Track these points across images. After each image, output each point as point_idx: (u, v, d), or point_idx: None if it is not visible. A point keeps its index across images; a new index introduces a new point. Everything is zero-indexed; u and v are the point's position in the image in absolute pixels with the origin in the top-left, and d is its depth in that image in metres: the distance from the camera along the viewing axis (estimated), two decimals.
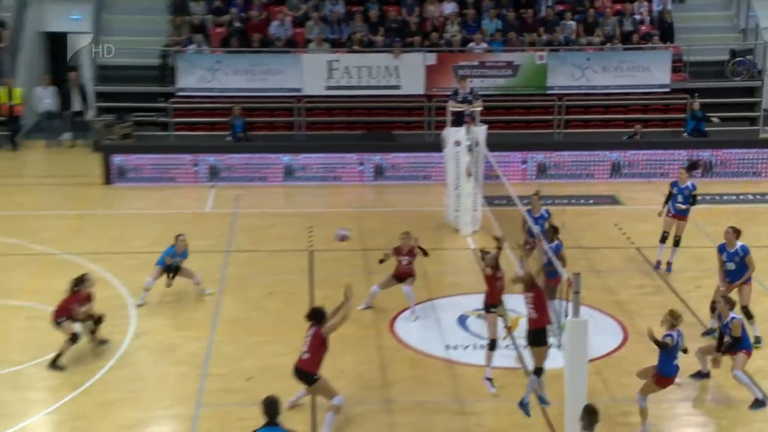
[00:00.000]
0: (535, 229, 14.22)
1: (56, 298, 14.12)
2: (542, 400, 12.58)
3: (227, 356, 13.97)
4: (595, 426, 9.47)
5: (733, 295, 13.86)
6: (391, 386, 13.14)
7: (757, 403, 12.59)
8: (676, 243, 16.90)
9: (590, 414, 9.54)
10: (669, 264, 16.97)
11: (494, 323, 13.32)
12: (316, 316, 12.00)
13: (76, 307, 13.71)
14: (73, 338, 13.62)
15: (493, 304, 13.40)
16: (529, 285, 12.31)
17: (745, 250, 14.31)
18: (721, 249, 14.52)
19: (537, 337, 12.27)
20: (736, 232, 14.40)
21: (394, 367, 13.77)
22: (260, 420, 10.05)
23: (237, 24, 26.01)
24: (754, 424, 12.27)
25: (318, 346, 11.83)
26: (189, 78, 24.81)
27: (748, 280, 14.31)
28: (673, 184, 17.04)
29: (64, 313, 13.70)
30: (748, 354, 12.72)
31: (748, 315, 14.15)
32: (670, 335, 11.78)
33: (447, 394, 13.06)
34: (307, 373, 11.81)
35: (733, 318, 12.71)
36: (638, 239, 18.73)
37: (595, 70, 24.99)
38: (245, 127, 24.13)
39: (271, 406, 9.35)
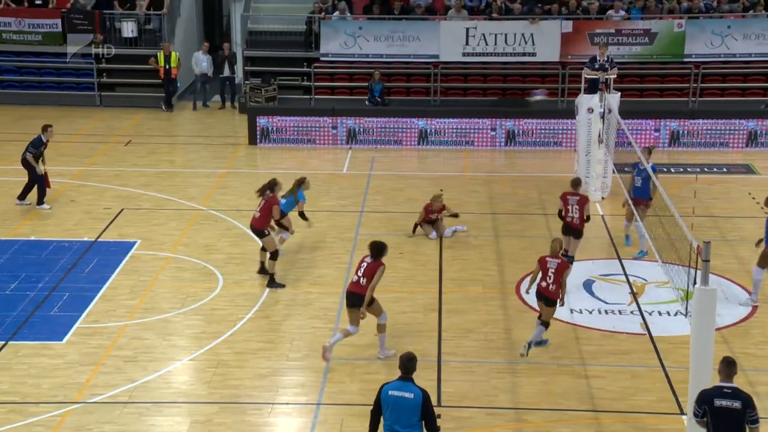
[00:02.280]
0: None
1: (202, 251, 14.42)
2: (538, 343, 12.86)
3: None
4: (734, 377, 9.19)
5: None
6: (514, 347, 12.97)
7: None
8: None
9: (729, 365, 9.27)
10: None
11: None
12: (378, 249, 12.51)
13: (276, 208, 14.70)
14: (274, 255, 14.68)
15: None
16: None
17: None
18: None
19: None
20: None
21: (518, 328, 13.60)
22: (386, 375, 10.08)
23: None
24: None
25: (371, 275, 12.40)
26: (331, 44, 24.95)
27: None
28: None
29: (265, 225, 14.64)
30: None
31: None
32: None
33: (570, 356, 12.84)
34: (361, 296, 12.38)
35: None
36: None
37: (735, 38, 23.89)
38: (383, 92, 24.12)
39: (408, 363, 9.33)
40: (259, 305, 14.29)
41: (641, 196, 15.75)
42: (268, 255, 14.83)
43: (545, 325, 12.86)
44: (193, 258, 15.91)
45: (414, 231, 16.79)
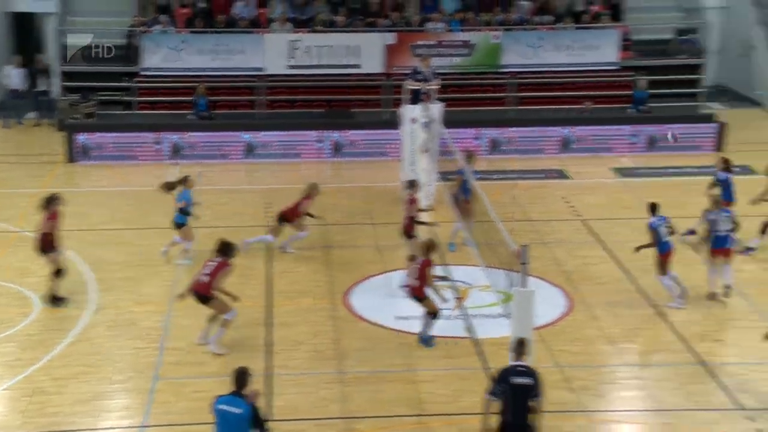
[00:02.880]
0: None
1: (16, 275, 13.83)
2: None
3: (184, 330, 13.77)
4: (525, 356, 9.83)
5: None
6: (343, 357, 13.03)
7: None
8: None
9: (521, 345, 9.92)
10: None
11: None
12: (224, 248, 12.99)
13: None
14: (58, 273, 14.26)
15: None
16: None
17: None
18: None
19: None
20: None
21: (347, 338, 13.66)
22: (215, 392, 9.95)
23: (202, 4, 25.65)
24: (686, 386, 12.27)
25: (215, 273, 12.77)
26: (154, 57, 24.41)
27: None
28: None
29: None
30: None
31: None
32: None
33: (398, 363, 12.97)
34: (202, 295, 12.74)
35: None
36: (584, 212, 18.71)
37: (547, 49, 24.85)
38: (208, 106, 23.80)
39: (239, 378, 9.33)
40: (80, 328, 13.78)
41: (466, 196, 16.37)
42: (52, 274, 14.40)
43: (431, 315, 13.11)
44: (7, 282, 15.21)
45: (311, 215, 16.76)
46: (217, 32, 24.84)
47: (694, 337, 13.44)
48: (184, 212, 16.05)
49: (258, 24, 25.46)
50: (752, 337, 13.45)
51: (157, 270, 15.80)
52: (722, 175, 17.03)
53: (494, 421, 9.73)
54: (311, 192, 16.72)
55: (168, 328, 13.81)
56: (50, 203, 14.49)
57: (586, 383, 12.39)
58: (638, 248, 14.58)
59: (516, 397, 9.57)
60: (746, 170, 20.72)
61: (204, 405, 9.32)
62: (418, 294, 13.18)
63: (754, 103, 26.51)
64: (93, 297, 14.82)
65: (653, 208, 14.51)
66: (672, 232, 14.38)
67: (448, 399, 12.04)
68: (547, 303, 14.41)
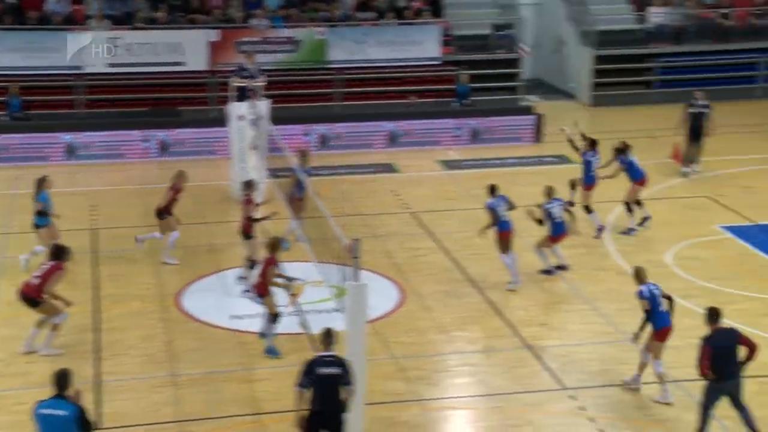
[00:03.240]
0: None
1: None
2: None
3: (5, 339, 13.19)
4: (332, 346, 10.00)
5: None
6: (176, 360, 12.80)
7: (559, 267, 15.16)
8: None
9: (328, 335, 10.09)
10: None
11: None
12: (57, 251, 12.79)
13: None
14: None
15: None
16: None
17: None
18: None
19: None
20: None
21: (179, 339, 13.42)
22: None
23: (11, 0, 24.51)
24: (512, 370, 12.71)
25: (49, 274, 12.51)
26: None
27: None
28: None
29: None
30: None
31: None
32: (641, 292, 11.84)
33: (234, 363, 12.85)
34: (30, 298, 12.46)
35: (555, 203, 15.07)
36: (413, 204, 19.05)
37: (371, 45, 25.12)
38: (22, 106, 22.77)
39: (60, 379, 9.03)
40: None
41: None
42: None
43: (271, 317, 12.95)
44: None
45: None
46: (29, 30, 23.82)
47: (521, 323, 13.93)
48: (42, 214, 15.33)
49: (74, 21, 24.55)
50: (573, 320, 14.12)
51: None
52: (588, 155, 17.63)
53: (306, 411, 9.82)
54: (177, 182, 16.25)
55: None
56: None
57: (420, 373, 12.64)
58: (481, 230, 15.00)
59: (324, 387, 9.74)
60: (563, 160, 21.65)
61: (28, 417, 8.94)
62: (260, 291, 13.06)
63: (567, 95, 27.68)
64: None
65: (492, 189, 15.02)
66: (511, 208, 14.92)
67: (283, 396, 11.97)
68: (380, 295, 14.60)
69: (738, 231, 17.24)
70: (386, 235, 17.36)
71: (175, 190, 16.13)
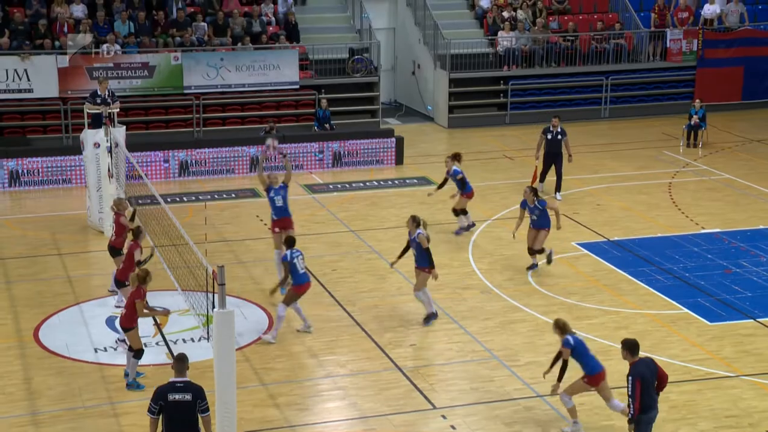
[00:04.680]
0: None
1: None
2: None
3: None
4: (187, 371, 9.94)
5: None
6: (35, 397, 12.32)
7: (430, 317, 14.56)
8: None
9: (180, 360, 9.99)
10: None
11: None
12: None
13: None
14: None
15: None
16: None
17: (542, 204, 16.44)
18: (523, 204, 16.61)
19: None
20: (533, 191, 16.48)
21: (39, 375, 12.94)
22: None
23: None
24: (384, 392, 12.82)
25: None
26: None
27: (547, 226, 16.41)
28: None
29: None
30: (429, 271, 14.41)
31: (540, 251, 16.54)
32: (567, 341, 11.48)
33: (98, 397, 12.49)
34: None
35: (419, 233, 14.37)
36: None
37: (228, 69, 24.96)
38: None
39: None
40: None
41: (283, 215, 16.03)
42: None
43: (135, 353, 12.62)
44: None
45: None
46: None
47: (390, 344, 14.04)
48: None
49: None
50: (441, 339, 14.33)
51: None
52: (456, 170, 18.40)
53: None
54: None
55: None
56: None
57: (291, 398, 12.58)
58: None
59: (174, 414, 9.60)
60: (424, 181, 22.03)
61: None
62: (124, 324, 12.70)
63: (425, 117, 28.21)
64: None
65: (290, 243, 14.35)
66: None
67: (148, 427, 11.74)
68: (249, 322, 14.49)
69: (592, 247, 17.91)
70: (252, 261, 17.22)
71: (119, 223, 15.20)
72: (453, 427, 11.90)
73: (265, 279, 16.39)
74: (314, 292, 15.81)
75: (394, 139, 23.76)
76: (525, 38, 27.86)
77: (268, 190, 16.15)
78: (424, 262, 14.46)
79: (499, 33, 27.83)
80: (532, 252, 16.58)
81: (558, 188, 20.64)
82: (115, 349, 13.83)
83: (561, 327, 11.55)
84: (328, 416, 12.36)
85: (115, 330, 14.35)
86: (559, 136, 20.60)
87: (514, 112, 27.56)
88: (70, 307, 15.16)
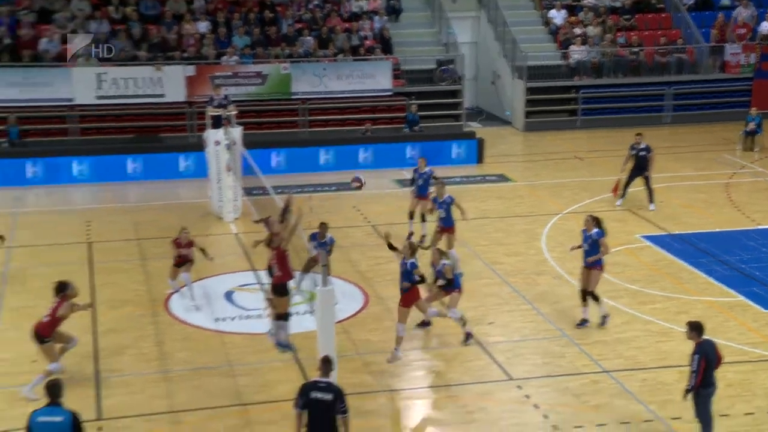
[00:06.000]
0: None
1: None
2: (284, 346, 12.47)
3: (12, 341, 12.97)
4: (332, 372, 9.48)
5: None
6: (166, 357, 12.68)
7: (468, 336, 13.23)
8: (423, 219, 17.14)
9: (326, 363, 9.51)
10: (423, 236, 17.10)
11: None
12: (61, 288, 11.81)
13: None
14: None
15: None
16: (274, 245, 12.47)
17: (600, 234, 13.52)
18: (583, 233, 13.61)
19: (280, 289, 12.34)
20: (595, 220, 13.63)
21: (169, 340, 13.31)
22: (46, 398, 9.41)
23: (7, 41, 24.20)
24: (466, 363, 12.82)
25: (55, 311, 11.64)
26: None
27: (597, 264, 13.53)
28: (415, 171, 17.23)
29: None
30: (459, 292, 13.32)
31: (595, 298, 13.66)
32: (413, 263, 12.09)
33: (218, 360, 12.77)
34: (40, 335, 11.57)
35: (444, 264, 13.20)
36: (373, 218, 19.12)
37: (330, 78, 25.20)
38: (20, 134, 22.45)
39: (53, 389, 8.74)
40: None
41: (447, 225, 15.70)
42: None
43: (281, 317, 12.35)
44: None
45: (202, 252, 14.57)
46: (24, 66, 23.53)
47: (471, 321, 14.00)
48: None
49: (64, 58, 24.28)
50: (516, 319, 14.25)
51: None
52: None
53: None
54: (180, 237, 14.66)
55: None
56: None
57: (383, 367, 12.63)
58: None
59: (315, 411, 9.17)
60: (502, 178, 21.90)
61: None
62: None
63: (503, 121, 28.01)
64: None
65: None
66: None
67: (263, 389, 11.97)
68: (347, 299, 14.64)
69: (655, 239, 17.58)
70: (351, 245, 17.38)
71: (177, 245, 14.54)
72: (527, 396, 11.84)
73: (362, 261, 16.54)
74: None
75: (475, 141, 23.65)
76: (595, 52, 27.45)
77: (434, 200, 15.88)
78: (450, 288, 13.31)
79: (571, 47, 27.49)
80: (585, 296, 13.65)
81: (651, 200, 19.42)
82: (233, 319, 14.10)
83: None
84: (416, 383, 12.43)
85: (232, 303, 14.67)
86: (644, 152, 19.32)
87: (585, 118, 27.17)
88: (195, 282, 15.49)
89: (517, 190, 18.87)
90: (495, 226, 18.64)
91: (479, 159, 23.45)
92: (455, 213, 15.85)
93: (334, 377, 9.46)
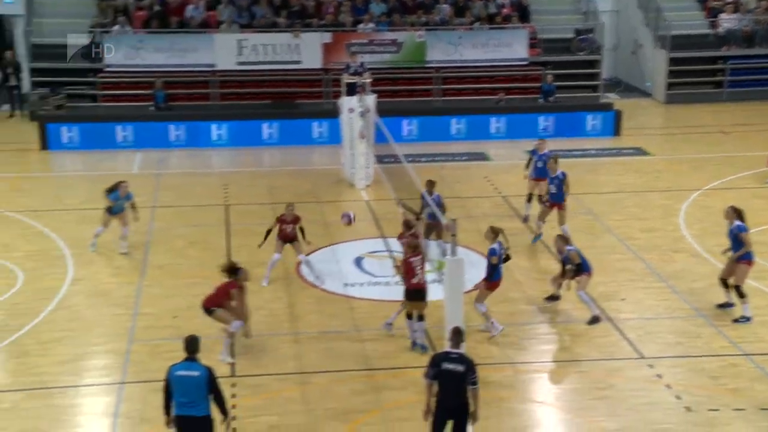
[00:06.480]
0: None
1: (1, 250, 13.48)
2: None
3: (155, 297, 13.61)
4: (462, 344, 9.42)
5: None
6: (297, 319, 13.00)
7: (594, 320, 12.85)
8: (532, 200, 16.80)
9: (457, 334, 9.45)
10: (527, 216, 16.83)
11: None
12: (232, 271, 11.83)
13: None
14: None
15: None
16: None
17: (741, 229, 12.77)
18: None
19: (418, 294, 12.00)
20: (736, 212, 12.89)
21: (300, 303, 13.63)
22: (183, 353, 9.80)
23: (156, 7, 25.16)
24: (595, 339, 12.55)
25: (223, 290, 11.77)
26: (115, 55, 23.89)
27: (743, 258, 12.77)
28: (533, 152, 16.89)
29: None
30: (589, 275, 12.91)
31: (741, 294, 12.81)
32: (493, 249, 12.15)
33: (346, 324, 12.99)
34: (205, 308, 11.79)
35: (569, 249, 12.90)
36: (503, 189, 18.92)
37: (466, 47, 24.98)
38: (166, 98, 23.40)
39: (191, 344, 9.10)
40: (60, 297, 13.54)
41: (557, 200, 15.59)
42: None
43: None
44: None
45: (265, 239, 14.33)
46: (171, 32, 24.42)
47: (601, 297, 13.71)
48: (109, 209, 15.13)
49: (208, 24, 25.09)
50: (649, 296, 13.83)
51: (129, 244, 15.50)
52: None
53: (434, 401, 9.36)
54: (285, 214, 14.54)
55: (140, 296, 13.62)
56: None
57: (510, 339, 12.55)
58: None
59: (446, 381, 9.15)
60: (640, 152, 21.21)
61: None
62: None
63: (642, 93, 27.06)
64: (70, 270, 14.52)
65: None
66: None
67: (390, 355, 12.10)
68: (475, 269, 14.56)
69: None
70: (480, 215, 17.27)
71: (281, 221, 14.44)
72: (659, 376, 11.50)
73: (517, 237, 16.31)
74: (534, 248, 15.69)
75: (612, 113, 22.97)
76: (747, 20, 26.02)
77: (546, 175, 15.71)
78: (578, 272, 12.86)
79: (721, 15, 26.15)
80: (725, 284, 12.97)
81: None
82: (362, 285, 14.24)
83: None
84: (543, 357, 12.28)
85: (361, 269, 14.86)
86: None
87: (732, 90, 25.91)
88: (325, 247, 15.79)
89: (655, 164, 18.25)
90: (631, 200, 18.10)
91: (616, 131, 22.78)
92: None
93: (463, 348, 9.44)
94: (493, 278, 12.56)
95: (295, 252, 14.49)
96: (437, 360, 9.27)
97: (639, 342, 12.38)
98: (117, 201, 15.12)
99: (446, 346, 9.59)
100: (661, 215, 17.03)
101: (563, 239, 13.17)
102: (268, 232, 14.31)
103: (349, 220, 14.40)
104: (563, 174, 15.49)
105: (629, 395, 11.08)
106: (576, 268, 12.88)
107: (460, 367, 9.12)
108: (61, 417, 10.52)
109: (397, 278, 14.13)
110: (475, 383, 9.15)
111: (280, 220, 14.39)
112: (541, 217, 15.71)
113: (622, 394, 11.12)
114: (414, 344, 12.14)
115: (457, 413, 9.23)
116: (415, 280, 11.98)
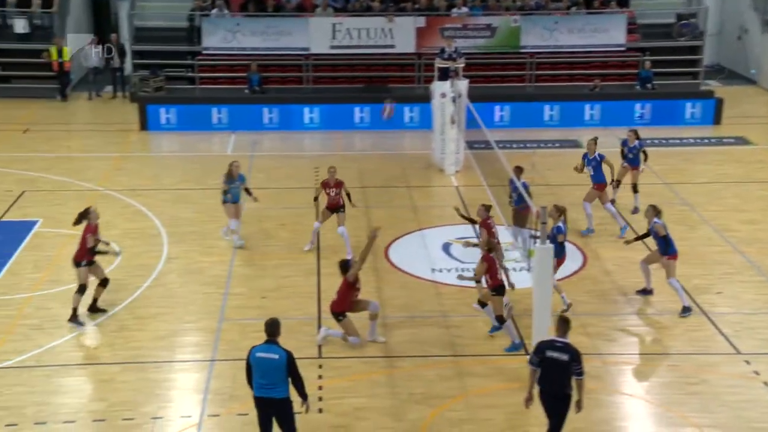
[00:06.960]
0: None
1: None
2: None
3: (246, 277, 13.86)
4: (569, 332, 9.28)
5: None
6: (384, 304, 13.04)
7: (685, 310, 12.53)
8: (634, 189, 16.45)
9: (563, 323, 9.33)
10: (612, 200, 16.43)
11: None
12: (343, 267, 11.87)
13: (90, 236, 12.31)
14: (81, 289, 12.29)
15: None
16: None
17: None
18: None
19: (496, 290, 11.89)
20: None
21: (387, 287, 13.67)
22: None
23: None
24: (688, 333, 12.20)
25: (345, 290, 11.75)
26: (213, 38, 24.37)
27: None
28: (624, 144, 16.44)
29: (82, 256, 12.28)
30: (675, 258, 12.58)
31: None
32: (559, 227, 12.24)
33: (433, 310, 12.98)
34: (333, 312, 11.82)
35: (655, 221, 12.66)
36: None
37: (561, 32, 24.53)
38: (261, 81, 23.75)
39: (271, 327, 9.17)
40: (156, 274, 13.93)
41: (598, 181, 15.58)
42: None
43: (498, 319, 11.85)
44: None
45: (317, 209, 14.86)
46: (267, 16, 24.75)
47: (696, 290, 13.33)
48: (225, 193, 14.93)
49: (304, 8, 25.33)
50: (748, 290, 13.37)
51: (221, 225, 15.82)
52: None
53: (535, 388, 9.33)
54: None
55: (231, 276, 13.90)
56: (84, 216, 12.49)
57: (599, 329, 12.34)
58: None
59: (549, 369, 9.09)
60: (742, 141, 20.47)
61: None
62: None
63: (747, 80, 26.08)
64: (166, 248, 14.92)
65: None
66: None
67: (476, 342, 12.03)
68: (566, 258, 14.32)
69: None
70: (570, 204, 16.89)
71: (324, 186, 14.59)
72: (756, 373, 11.11)
73: (581, 221, 16.11)
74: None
75: (713, 101, 22.22)
76: None
77: (584, 157, 15.68)
78: (664, 250, 12.68)
79: None
80: None
81: None
82: (449, 271, 14.23)
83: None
84: (633, 349, 12.03)
85: (449, 255, 14.81)
86: None
87: None
88: (414, 231, 15.79)
89: (758, 154, 17.57)
90: (730, 191, 17.51)
91: (716, 120, 22.03)
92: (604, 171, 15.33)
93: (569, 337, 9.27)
94: (559, 255, 12.53)
95: (337, 222, 14.55)
96: (542, 347, 9.26)
97: (735, 337, 11.98)
98: (231, 185, 14.78)
99: (552, 335, 9.46)
100: (763, 207, 16.42)
101: (654, 209, 12.83)
102: (315, 199, 14.55)
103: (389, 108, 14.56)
104: (600, 156, 15.35)
105: (723, 391, 10.75)
106: (664, 246, 12.59)
107: (564, 356, 9.06)
108: (155, 391, 10.84)
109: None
110: (580, 374, 9.06)
111: (324, 184, 14.57)
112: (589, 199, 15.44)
113: (716, 389, 10.80)
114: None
115: (555, 403, 9.19)
116: (499, 276, 11.86)
